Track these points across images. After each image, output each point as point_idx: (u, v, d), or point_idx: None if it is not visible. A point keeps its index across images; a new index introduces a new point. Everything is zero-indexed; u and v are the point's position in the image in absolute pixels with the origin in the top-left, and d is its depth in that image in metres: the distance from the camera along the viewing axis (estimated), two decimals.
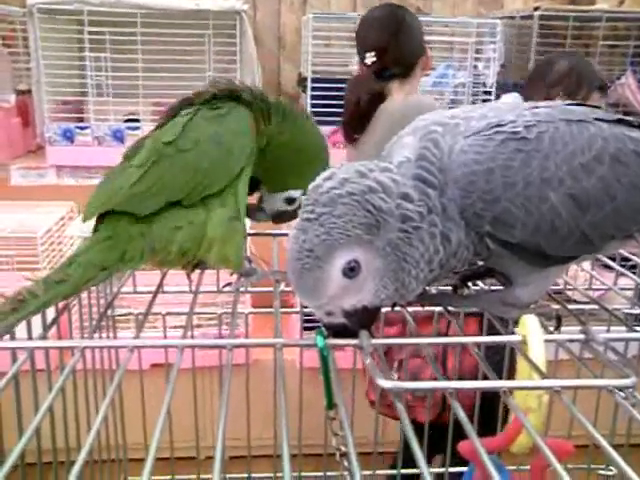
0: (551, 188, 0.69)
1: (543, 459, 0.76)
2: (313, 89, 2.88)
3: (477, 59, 3.03)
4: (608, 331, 1.06)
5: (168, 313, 1.12)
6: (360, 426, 1.12)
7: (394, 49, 2.02)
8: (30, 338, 0.73)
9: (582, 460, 1.28)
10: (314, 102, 2.85)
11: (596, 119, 0.75)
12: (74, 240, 2.49)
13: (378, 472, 1.25)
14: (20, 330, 0.71)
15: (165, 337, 1.12)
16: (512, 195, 0.68)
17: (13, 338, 0.70)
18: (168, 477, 1.21)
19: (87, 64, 2.72)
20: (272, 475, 1.22)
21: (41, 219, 2.60)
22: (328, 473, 1.22)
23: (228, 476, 1.16)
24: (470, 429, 0.59)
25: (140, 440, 1.10)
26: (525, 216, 0.69)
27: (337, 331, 0.69)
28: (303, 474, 1.18)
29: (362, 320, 0.69)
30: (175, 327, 1.19)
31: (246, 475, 1.18)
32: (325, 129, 2.81)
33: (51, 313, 0.80)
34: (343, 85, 2.85)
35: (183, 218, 0.81)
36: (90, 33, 2.68)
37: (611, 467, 1.29)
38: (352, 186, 0.65)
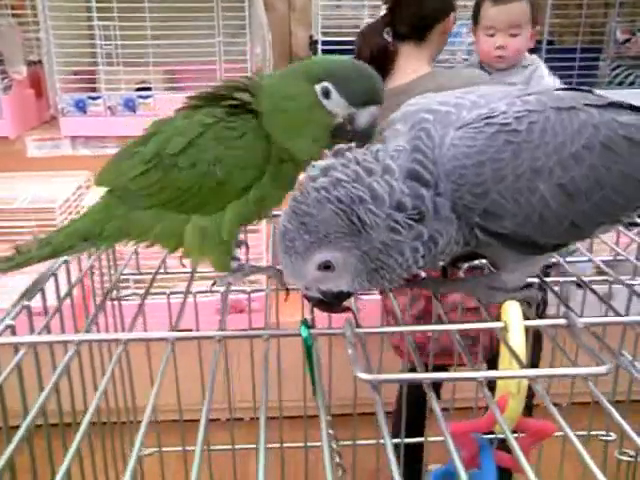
0: (541, 179, 0.69)
1: (527, 438, 0.79)
2: (324, 52, 2.84)
3: None
4: None
5: (172, 293, 1.16)
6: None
7: (408, 4, 1.80)
8: (32, 330, 0.77)
9: (582, 426, 1.31)
10: None
11: (587, 105, 0.74)
12: None
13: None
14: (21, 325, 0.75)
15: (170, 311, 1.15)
16: (502, 187, 0.68)
17: (14, 333, 0.73)
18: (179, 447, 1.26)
19: (96, 33, 2.72)
20: (303, 444, 1.28)
21: (58, 189, 2.65)
22: (358, 442, 1.28)
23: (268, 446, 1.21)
24: (440, 416, 0.61)
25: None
26: (515, 207, 0.69)
27: (316, 302, 0.75)
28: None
29: (339, 297, 0.73)
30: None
31: (278, 445, 1.24)
32: None
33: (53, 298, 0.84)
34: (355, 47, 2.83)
35: (162, 216, 0.85)
36: (98, 1, 2.66)
37: (611, 432, 1.31)
38: (342, 192, 0.66)
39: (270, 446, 1.25)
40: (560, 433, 1.38)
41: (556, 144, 0.70)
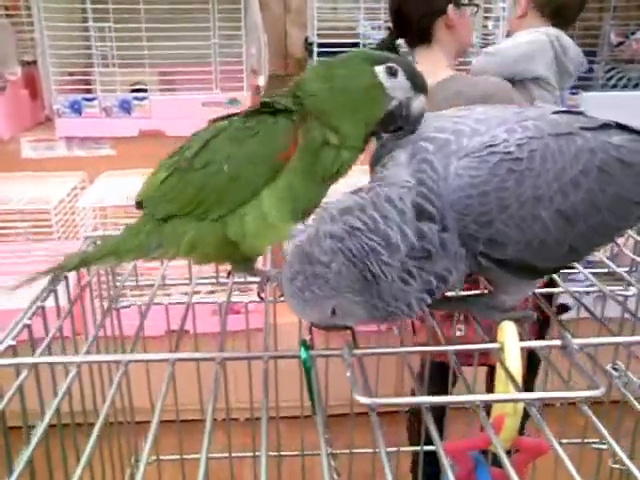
0: (542, 206, 0.70)
1: (523, 455, 0.80)
2: (319, 54, 2.85)
3: (486, 18, 2.96)
4: None
5: (170, 303, 1.16)
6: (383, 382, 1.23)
7: (404, 13, 1.83)
8: (33, 349, 0.78)
9: (577, 429, 1.33)
10: None
11: (581, 128, 0.75)
12: (86, 210, 2.54)
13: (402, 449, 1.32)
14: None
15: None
16: (506, 216, 0.69)
17: (15, 353, 0.74)
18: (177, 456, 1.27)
19: (91, 34, 2.71)
20: (300, 452, 1.30)
21: (53, 190, 2.65)
22: (354, 450, 1.30)
23: (257, 453, 1.21)
24: (435, 434, 0.62)
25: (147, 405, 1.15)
26: (518, 235, 0.70)
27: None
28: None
29: (343, 327, 0.74)
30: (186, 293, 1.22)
31: (276, 453, 1.25)
32: None
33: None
34: (350, 49, 2.83)
35: (195, 223, 0.84)
36: (92, 2, 2.66)
37: (604, 441, 1.32)
38: (356, 245, 0.66)
39: (268, 453, 1.27)
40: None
41: (556, 170, 0.71)
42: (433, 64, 1.82)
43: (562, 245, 0.73)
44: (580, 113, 0.79)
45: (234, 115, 0.86)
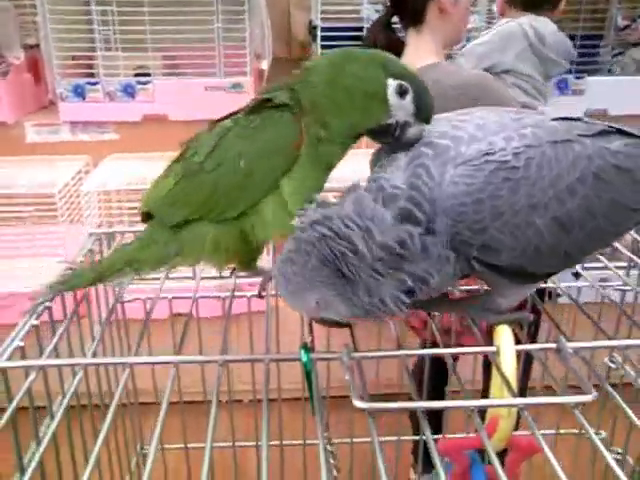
0: (537, 214, 0.71)
1: (516, 454, 0.82)
2: (323, 38, 2.83)
3: (492, 1, 2.93)
4: None
5: (174, 297, 1.18)
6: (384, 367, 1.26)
7: None
8: (41, 350, 0.80)
9: (572, 425, 1.35)
10: (324, 51, 2.80)
11: (580, 135, 0.76)
12: (91, 194, 2.55)
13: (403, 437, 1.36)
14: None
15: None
16: (500, 223, 0.70)
17: (24, 354, 0.76)
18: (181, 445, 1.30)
19: (94, 18, 2.70)
20: (302, 442, 1.33)
21: (58, 174, 2.65)
22: (355, 439, 1.33)
23: (259, 443, 1.24)
24: (429, 435, 0.65)
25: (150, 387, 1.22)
26: (512, 242, 0.71)
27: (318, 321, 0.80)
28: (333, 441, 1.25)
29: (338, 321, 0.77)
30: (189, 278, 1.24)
31: (278, 442, 1.26)
32: None
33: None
34: (354, 33, 2.81)
35: (209, 227, 0.84)
36: None
37: (601, 431, 1.35)
38: (329, 248, 0.70)
39: (270, 443, 1.30)
40: (551, 432, 1.42)
41: (552, 178, 0.71)
42: (418, 48, 1.80)
43: (557, 251, 0.74)
44: (579, 119, 0.80)
45: (236, 113, 0.86)
